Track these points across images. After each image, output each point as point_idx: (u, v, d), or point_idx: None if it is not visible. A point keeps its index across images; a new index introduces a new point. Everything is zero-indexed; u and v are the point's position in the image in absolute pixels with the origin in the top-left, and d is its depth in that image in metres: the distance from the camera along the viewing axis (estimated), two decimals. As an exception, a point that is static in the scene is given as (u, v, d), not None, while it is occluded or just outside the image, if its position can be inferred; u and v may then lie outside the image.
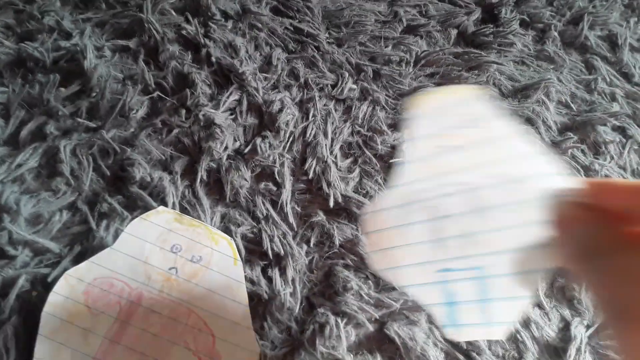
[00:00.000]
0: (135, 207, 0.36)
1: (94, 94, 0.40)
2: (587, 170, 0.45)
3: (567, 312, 0.37)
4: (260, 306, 0.34)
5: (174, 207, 0.36)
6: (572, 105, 0.50)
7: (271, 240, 0.36)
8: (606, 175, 0.45)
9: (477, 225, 0.26)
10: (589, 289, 0.20)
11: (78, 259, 0.33)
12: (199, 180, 0.38)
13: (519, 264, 0.25)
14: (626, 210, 0.21)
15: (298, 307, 0.34)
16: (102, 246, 0.33)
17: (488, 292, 0.26)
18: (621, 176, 0.45)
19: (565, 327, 0.37)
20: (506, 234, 0.25)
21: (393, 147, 0.43)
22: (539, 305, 0.36)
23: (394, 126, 0.44)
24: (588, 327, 0.37)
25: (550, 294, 0.38)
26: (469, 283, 0.27)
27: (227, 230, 0.36)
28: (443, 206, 0.27)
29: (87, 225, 0.35)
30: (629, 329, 0.18)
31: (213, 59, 0.44)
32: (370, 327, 0.34)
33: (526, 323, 0.36)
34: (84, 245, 0.34)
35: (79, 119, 0.38)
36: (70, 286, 0.31)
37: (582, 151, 0.46)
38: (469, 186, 0.26)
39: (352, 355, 0.33)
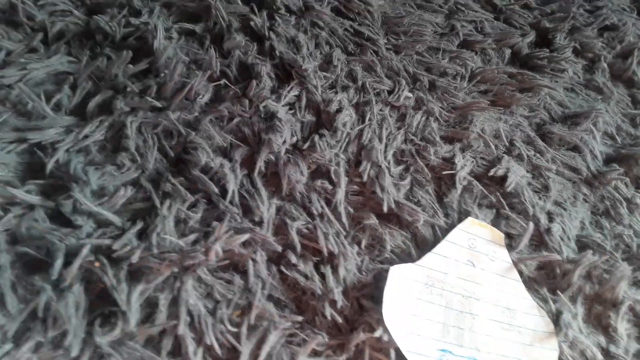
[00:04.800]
0: (197, 190, 0.36)
1: (162, 75, 0.40)
2: (629, 203, 0.45)
3: (602, 339, 0.38)
4: (313, 301, 0.34)
5: (233, 195, 0.37)
6: (617, 137, 0.51)
7: (326, 238, 0.37)
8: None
9: (469, 325, 0.35)
10: None
11: (140, 235, 0.34)
12: (257, 170, 0.39)
13: None
14: None
15: (349, 307, 0.34)
16: (162, 223, 0.34)
17: None
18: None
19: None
20: (493, 342, 0.35)
21: (445, 159, 0.43)
22: (579, 329, 0.37)
23: (447, 138, 0.45)
24: (623, 356, 0.37)
25: (588, 319, 0.38)
26: None
27: (282, 224, 0.37)
28: (453, 299, 0.36)
29: (149, 202, 0.35)
30: None
31: (276, 53, 0.45)
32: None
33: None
34: (146, 221, 0.34)
35: (148, 98, 0.39)
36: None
37: (625, 184, 0.47)
38: (475, 295, 0.36)
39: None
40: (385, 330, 0.32)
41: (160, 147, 0.38)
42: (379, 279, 0.36)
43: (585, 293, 0.38)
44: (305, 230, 0.37)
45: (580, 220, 0.43)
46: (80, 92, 0.39)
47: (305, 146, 0.41)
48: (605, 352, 0.36)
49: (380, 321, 0.33)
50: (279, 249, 0.35)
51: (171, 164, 0.38)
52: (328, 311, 0.33)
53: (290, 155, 0.40)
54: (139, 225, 0.34)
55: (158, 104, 0.39)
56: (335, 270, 0.36)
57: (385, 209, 0.39)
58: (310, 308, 0.34)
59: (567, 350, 0.35)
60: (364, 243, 0.38)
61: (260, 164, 0.39)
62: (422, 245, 0.39)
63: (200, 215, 0.36)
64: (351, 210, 0.39)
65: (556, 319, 0.36)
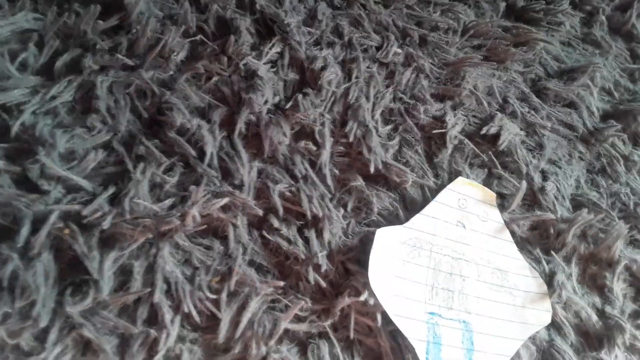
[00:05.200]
0: (173, 153, 0.35)
1: (133, 31, 0.38)
2: (627, 160, 0.44)
3: (597, 300, 0.37)
4: (297, 265, 0.33)
5: (211, 158, 0.35)
6: (615, 93, 0.49)
7: (310, 201, 0.35)
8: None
9: (459, 287, 0.33)
10: None
11: (112, 200, 0.32)
12: (237, 132, 0.37)
13: None
14: None
15: (334, 270, 0.33)
16: (136, 187, 0.32)
17: (474, 344, 0.32)
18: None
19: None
20: (484, 304, 0.33)
21: (435, 118, 0.41)
22: (574, 290, 0.36)
23: (438, 96, 0.43)
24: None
25: (582, 280, 0.37)
26: (456, 332, 0.32)
27: (264, 187, 0.35)
28: (442, 261, 0.34)
29: (122, 166, 0.33)
30: None
31: (257, 7, 0.42)
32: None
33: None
34: (118, 186, 0.32)
35: (119, 55, 0.36)
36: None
37: (623, 141, 0.45)
38: (465, 257, 0.35)
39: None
40: (371, 293, 0.31)
41: (133, 107, 0.36)
42: (366, 242, 0.34)
43: (580, 253, 0.37)
44: (288, 193, 0.35)
45: (576, 179, 0.41)
46: (47, 51, 0.37)
47: (288, 106, 0.38)
48: (601, 312, 0.35)
49: (366, 285, 0.31)
50: (260, 212, 0.34)
51: (145, 126, 0.35)
52: (312, 276, 0.32)
53: (272, 116, 0.38)
54: (111, 190, 0.32)
55: (130, 62, 0.37)
56: (319, 234, 0.34)
57: (372, 169, 0.37)
58: (293, 273, 0.33)
59: (560, 312, 0.34)
60: (350, 205, 0.36)
61: (240, 125, 0.37)
62: (410, 207, 0.37)
63: (176, 180, 0.34)
64: (337, 172, 0.37)
65: (549, 279, 0.35)
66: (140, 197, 0.32)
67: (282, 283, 0.31)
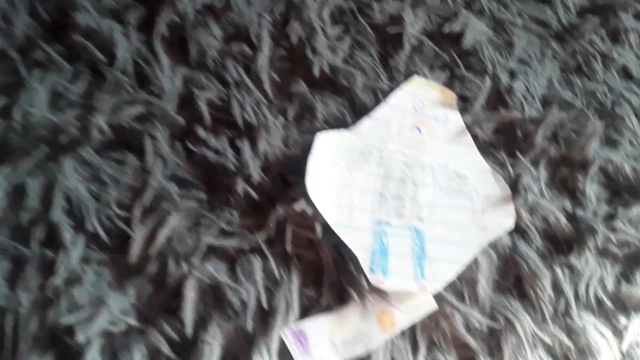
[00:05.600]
0: (78, 58, 0.30)
1: None
2: (605, 57, 0.39)
3: (567, 203, 0.33)
4: (226, 178, 0.29)
5: (125, 62, 0.30)
6: (593, -13, 0.44)
7: (242, 108, 0.31)
8: (624, 66, 0.40)
9: (412, 194, 0.30)
10: None
11: (3, 112, 0.27)
12: (157, 35, 0.32)
13: None
14: None
15: (270, 183, 0.29)
16: (31, 97, 0.27)
17: (425, 252, 0.29)
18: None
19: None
20: (438, 210, 0.30)
21: (393, 17, 0.37)
22: (541, 193, 0.32)
23: (394, -7, 0.38)
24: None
25: (552, 184, 0.33)
26: (405, 240, 0.29)
27: (190, 94, 0.31)
28: (393, 167, 0.30)
29: (17, 76, 0.29)
30: None
31: None
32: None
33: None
34: (12, 96, 0.28)
35: (8, -52, 0.31)
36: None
37: (601, 37, 0.41)
38: (420, 162, 0.31)
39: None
40: (310, 202, 0.27)
41: (32, 10, 0.31)
42: (308, 152, 0.30)
43: (549, 155, 0.33)
44: (218, 102, 0.31)
45: (548, 78, 0.37)
46: None
47: (219, 5, 0.34)
48: (571, 216, 0.31)
49: (304, 194, 0.27)
50: (182, 121, 0.30)
51: (46, 30, 0.31)
52: (241, 187, 0.28)
53: (201, 17, 0.33)
54: (3, 101, 0.28)
55: (25, -42, 0.31)
56: (253, 143, 0.30)
57: (316, 73, 0.33)
58: (223, 187, 0.29)
59: (526, 216, 0.30)
60: (291, 113, 0.32)
61: (161, 27, 0.32)
62: (360, 113, 0.33)
63: (84, 89, 0.29)
64: (276, 77, 0.33)
65: (514, 183, 0.31)
66: (35, 107, 0.27)
67: (203, 195, 0.27)
